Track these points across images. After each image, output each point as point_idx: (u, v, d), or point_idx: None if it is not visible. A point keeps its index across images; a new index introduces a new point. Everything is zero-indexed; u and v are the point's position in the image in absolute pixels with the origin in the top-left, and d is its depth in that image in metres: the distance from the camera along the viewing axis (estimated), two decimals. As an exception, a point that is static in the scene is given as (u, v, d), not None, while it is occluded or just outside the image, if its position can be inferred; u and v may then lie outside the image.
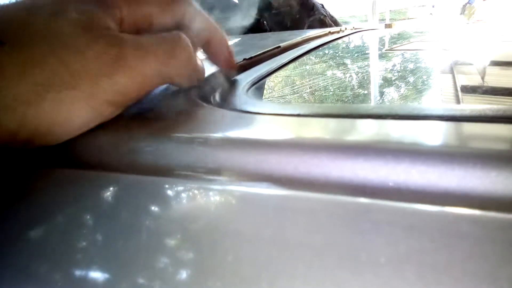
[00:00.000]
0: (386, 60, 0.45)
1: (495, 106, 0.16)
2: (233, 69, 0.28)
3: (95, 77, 0.18)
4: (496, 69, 0.39)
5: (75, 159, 0.18)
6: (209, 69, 0.30)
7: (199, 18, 0.24)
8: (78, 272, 0.13)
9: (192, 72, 0.22)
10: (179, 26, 0.23)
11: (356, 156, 0.13)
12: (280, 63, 0.34)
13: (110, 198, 0.15)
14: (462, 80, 0.33)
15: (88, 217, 0.15)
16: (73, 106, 0.18)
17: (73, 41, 0.18)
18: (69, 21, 0.18)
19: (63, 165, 0.18)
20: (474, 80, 0.33)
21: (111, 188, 0.16)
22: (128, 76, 0.19)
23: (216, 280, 0.11)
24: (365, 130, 0.16)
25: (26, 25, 0.17)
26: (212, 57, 0.26)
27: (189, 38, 0.22)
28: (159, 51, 0.20)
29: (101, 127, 0.19)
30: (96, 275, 0.13)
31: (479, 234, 0.10)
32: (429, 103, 0.27)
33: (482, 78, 0.34)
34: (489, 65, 0.39)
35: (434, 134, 0.15)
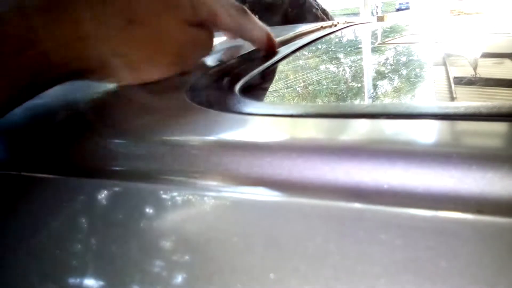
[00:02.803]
0: (379, 54, 0.45)
1: (489, 103, 0.15)
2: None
3: (178, 60, 0.27)
4: (488, 61, 0.39)
5: (66, 167, 0.18)
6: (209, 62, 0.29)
7: (253, 28, 0.31)
8: (71, 280, 0.13)
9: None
10: (236, 32, 0.31)
11: (350, 158, 0.13)
12: (272, 60, 0.34)
13: (101, 205, 0.15)
14: (455, 72, 0.32)
15: (81, 224, 0.14)
16: (160, 71, 0.27)
17: (174, 33, 0.26)
18: (173, 16, 0.25)
19: (55, 173, 0.17)
20: (466, 72, 0.33)
21: (102, 195, 0.15)
22: (191, 62, 0.29)
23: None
24: (358, 131, 0.16)
25: (146, 11, 0.24)
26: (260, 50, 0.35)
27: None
28: (207, 48, 0.30)
29: (91, 132, 0.19)
30: (90, 282, 0.13)
31: (476, 239, 0.10)
32: (422, 99, 0.27)
33: (474, 70, 0.34)
34: (481, 57, 0.39)
35: (429, 134, 0.14)
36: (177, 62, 0.27)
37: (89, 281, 0.13)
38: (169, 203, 0.14)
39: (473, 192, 0.11)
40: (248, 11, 0.31)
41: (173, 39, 0.26)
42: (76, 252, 0.13)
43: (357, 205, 0.12)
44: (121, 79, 0.26)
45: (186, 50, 0.28)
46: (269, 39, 0.33)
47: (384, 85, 0.31)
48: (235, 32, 0.31)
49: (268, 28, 0.33)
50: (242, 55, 0.34)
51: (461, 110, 0.16)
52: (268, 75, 0.33)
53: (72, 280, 0.13)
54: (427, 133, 0.14)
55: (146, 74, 0.26)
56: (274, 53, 0.34)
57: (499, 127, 0.14)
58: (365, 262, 0.10)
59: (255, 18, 0.31)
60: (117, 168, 0.17)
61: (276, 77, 0.34)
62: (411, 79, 0.32)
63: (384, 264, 0.09)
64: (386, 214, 0.11)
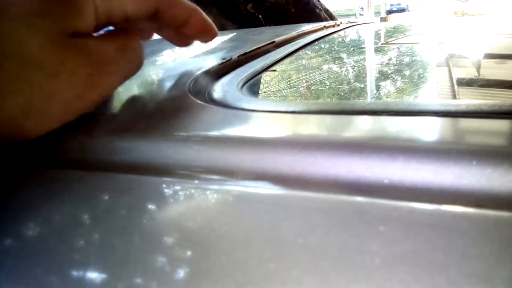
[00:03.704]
0: (382, 54, 0.45)
1: (490, 101, 0.16)
2: (215, 36, 0.27)
3: (68, 101, 0.18)
4: (491, 62, 0.39)
5: (70, 160, 0.18)
6: (202, 62, 0.30)
7: (174, 3, 0.23)
8: (73, 273, 0.13)
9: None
10: (154, 14, 0.23)
11: (351, 154, 0.13)
12: (274, 59, 0.34)
13: (105, 198, 0.15)
14: (458, 73, 0.32)
15: (84, 217, 0.15)
16: (46, 125, 0.18)
17: (44, 61, 0.17)
18: (36, 32, 0.16)
19: (60, 166, 0.17)
20: (469, 73, 0.33)
21: (106, 189, 0.15)
22: (98, 93, 0.19)
23: (210, 281, 0.11)
24: (360, 127, 0.16)
25: None
26: (196, 36, 0.27)
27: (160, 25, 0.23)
28: (124, 63, 0.21)
29: (96, 126, 0.19)
30: (92, 275, 0.13)
31: (475, 233, 0.10)
32: (425, 97, 0.27)
33: (478, 71, 0.34)
34: (484, 58, 0.39)
35: (430, 131, 0.14)
36: (68, 105, 0.18)
37: (92, 274, 0.13)
38: (172, 196, 0.14)
39: (473, 187, 0.11)
40: None
41: (47, 70, 0.17)
42: (79, 245, 0.13)
43: (357, 199, 0.12)
44: None
45: (80, 80, 0.18)
46: (202, 18, 0.25)
47: (387, 86, 0.31)
48: (151, 18, 0.22)
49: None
50: (245, 53, 0.34)
51: (462, 108, 0.16)
52: (270, 73, 0.33)
53: (75, 273, 0.13)
54: (428, 129, 0.14)
55: (19, 137, 0.17)
56: (211, 36, 0.27)
57: (500, 124, 0.14)
58: (365, 253, 0.10)
59: None
60: (121, 162, 0.17)
61: (279, 75, 0.34)
62: (414, 80, 0.32)
63: (383, 256, 0.10)
64: (387, 208, 0.11)
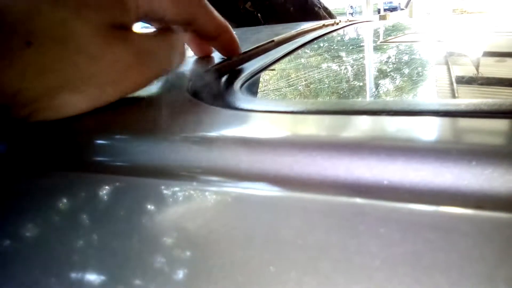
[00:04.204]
0: (381, 52, 0.45)
1: (490, 101, 0.16)
2: (237, 56, 0.30)
3: (104, 84, 0.20)
4: (490, 60, 0.39)
5: (70, 161, 0.18)
6: (206, 64, 0.30)
7: (209, 18, 0.25)
8: (72, 274, 0.13)
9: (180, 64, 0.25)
10: (189, 22, 0.25)
11: (350, 154, 0.13)
12: (274, 58, 0.34)
13: (104, 200, 0.15)
14: (457, 71, 0.32)
15: (82, 219, 0.14)
16: (77, 105, 0.20)
17: (88, 46, 0.19)
18: (86, 21, 0.19)
19: (60, 167, 0.17)
20: (468, 71, 0.33)
21: (105, 190, 0.15)
22: (134, 81, 0.21)
23: (210, 282, 0.11)
24: (359, 127, 0.16)
25: (48, 25, 0.18)
26: (221, 51, 0.29)
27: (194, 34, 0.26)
28: (163, 56, 0.22)
29: (94, 127, 0.19)
30: (91, 277, 0.13)
31: (475, 234, 0.10)
32: (424, 97, 0.27)
33: (477, 69, 0.34)
34: (484, 56, 0.39)
35: (429, 130, 0.14)
36: (104, 88, 0.20)
37: (91, 275, 0.13)
38: (171, 198, 0.14)
39: (473, 187, 0.11)
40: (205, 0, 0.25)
41: (90, 54, 0.19)
42: (79, 247, 0.13)
43: (357, 200, 0.12)
44: (29, 117, 0.19)
45: (119, 66, 0.20)
46: (231, 37, 0.28)
47: (386, 84, 0.31)
48: (185, 25, 0.24)
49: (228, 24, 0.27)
50: (244, 52, 0.34)
51: (462, 107, 0.16)
52: (269, 72, 0.33)
53: (74, 275, 0.13)
54: (428, 129, 0.14)
55: (56, 111, 0.19)
56: (234, 55, 0.29)
57: (500, 124, 0.14)
58: (364, 255, 0.10)
59: (213, 9, 0.25)
60: (119, 163, 0.17)
61: (278, 74, 0.34)
62: (413, 78, 0.32)
63: (383, 257, 0.10)
64: (386, 209, 0.11)
